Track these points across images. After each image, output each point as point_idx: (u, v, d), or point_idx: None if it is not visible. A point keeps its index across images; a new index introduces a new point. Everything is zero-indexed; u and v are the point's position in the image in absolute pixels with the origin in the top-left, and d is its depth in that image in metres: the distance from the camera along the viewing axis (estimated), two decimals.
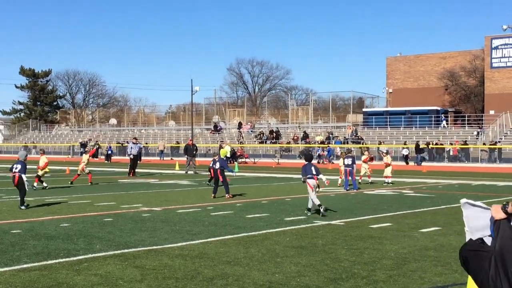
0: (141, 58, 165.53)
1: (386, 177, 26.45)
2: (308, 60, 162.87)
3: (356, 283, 7.56)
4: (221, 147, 54.82)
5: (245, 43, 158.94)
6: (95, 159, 51.47)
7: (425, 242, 10.74)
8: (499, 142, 50.51)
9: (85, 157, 26.65)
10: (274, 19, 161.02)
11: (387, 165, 26.64)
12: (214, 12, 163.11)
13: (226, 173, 19.73)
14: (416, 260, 9.03)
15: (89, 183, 25.00)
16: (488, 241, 4.24)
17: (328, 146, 55.00)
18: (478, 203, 4.40)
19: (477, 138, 52.72)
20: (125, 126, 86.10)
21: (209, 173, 21.25)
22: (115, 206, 16.64)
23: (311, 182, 15.03)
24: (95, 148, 37.45)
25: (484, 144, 50.36)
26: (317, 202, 14.75)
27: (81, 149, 65.99)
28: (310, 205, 15.03)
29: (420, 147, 48.55)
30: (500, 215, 4.21)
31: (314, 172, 15.20)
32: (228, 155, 51.75)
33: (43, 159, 24.12)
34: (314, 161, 18.55)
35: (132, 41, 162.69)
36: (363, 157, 27.50)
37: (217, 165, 19.43)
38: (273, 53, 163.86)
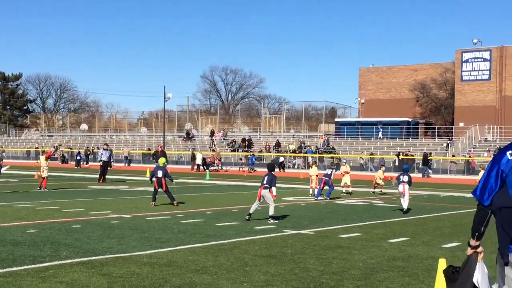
0: (114, 63, 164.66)
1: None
2: (282, 69, 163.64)
3: None
4: (193, 154, 54.84)
5: (219, 51, 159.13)
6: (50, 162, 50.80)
7: (393, 252, 10.81)
8: (468, 154, 51.16)
9: (42, 159, 26.15)
10: (248, 27, 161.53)
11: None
12: (189, 19, 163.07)
13: (168, 180, 19.61)
14: (383, 271, 9.08)
15: (39, 188, 24.65)
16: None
17: (253, 154, 55.58)
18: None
19: (446, 150, 53.33)
20: (96, 132, 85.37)
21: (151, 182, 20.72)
22: (83, 212, 16.46)
23: (264, 191, 15.43)
24: (51, 150, 36.94)
25: (453, 155, 50.96)
26: (251, 211, 15.44)
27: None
28: (251, 211, 15.49)
29: (428, 158, 48.52)
30: (469, 250, 4.50)
31: (264, 182, 15.47)
32: (198, 163, 51.73)
33: None
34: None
35: (105, 47, 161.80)
36: (346, 168, 27.75)
37: (160, 174, 19.23)
38: (247, 62, 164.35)
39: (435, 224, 15.67)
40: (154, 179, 19.50)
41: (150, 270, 8.71)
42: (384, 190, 27.54)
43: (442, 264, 6.81)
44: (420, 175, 46.61)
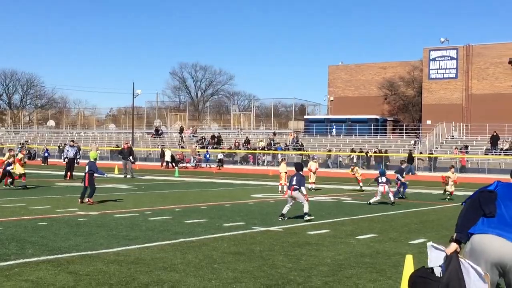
0: (81, 59, 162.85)
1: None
2: (251, 66, 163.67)
3: None
4: (162, 151, 54.58)
5: (188, 47, 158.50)
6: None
7: (361, 249, 10.88)
8: (435, 151, 51.78)
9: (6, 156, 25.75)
10: (218, 24, 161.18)
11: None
12: (158, 15, 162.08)
13: (99, 176, 19.14)
14: (351, 267, 9.13)
15: (6, 185, 24.34)
16: (437, 271, 4.61)
17: (207, 151, 55.98)
18: (441, 247, 4.75)
19: (414, 147, 53.91)
20: (63, 128, 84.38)
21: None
22: (50, 210, 16.25)
23: (294, 193, 15.20)
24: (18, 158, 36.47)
25: (421, 153, 51.52)
26: (284, 211, 15.27)
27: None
28: (284, 211, 15.33)
29: (413, 155, 48.65)
30: (451, 248, 4.57)
31: (293, 183, 15.21)
32: (167, 160, 51.58)
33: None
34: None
35: (73, 42, 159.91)
36: (314, 166, 27.91)
37: (87, 169, 18.52)
38: (217, 58, 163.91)
39: (402, 220, 15.82)
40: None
41: (117, 267, 8.63)
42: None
43: (409, 260, 6.88)
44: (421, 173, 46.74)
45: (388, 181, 20.53)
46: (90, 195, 18.35)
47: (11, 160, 24.32)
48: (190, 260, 9.30)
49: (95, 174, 18.72)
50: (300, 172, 15.46)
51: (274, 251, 10.34)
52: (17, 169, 24.62)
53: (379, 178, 20.39)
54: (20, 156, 25.95)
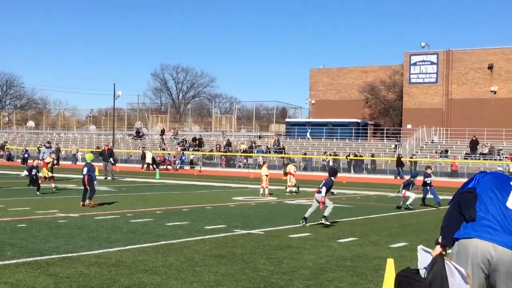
0: (62, 60, 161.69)
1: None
2: (233, 69, 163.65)
3: None
4: (143, 153, 54.36)
5: (170, 49, 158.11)
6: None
7: (342, 252, 10.91)
8: (415, 155, 52.10)
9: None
10: (200, 26, 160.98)
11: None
12: (140, 16, 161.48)
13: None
14: (333, 270, 9.16)
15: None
16: (422, 272, 4.72)
17: (182, 153, 56.26)
18: (430, 250, 4.81)
19: (394, 151, 54.22)
20: (43, 129, 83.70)
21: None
22: (29, 211, 16.10)
23: (317, 196, 14.99)
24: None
25: (400, 156, 51.81)
26: (327, 213, 14.82)
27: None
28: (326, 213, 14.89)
29: (402, 159, 48.62)
30: (436, 251, 4.65)
31: (320, 186, 15.01)
32: (148, 162, 51.44)
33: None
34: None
35: (53, 42, 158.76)
36: (293, 168, 27.90)
37: (84, 171, 18.24)
38: (198, 61, 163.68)
39: (383, 224, 15.90)
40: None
41: (98, 270, 8.58)
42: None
43: (390, 264, 6.90)
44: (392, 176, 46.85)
45: (411, 186, 20.72)
46: (90, 197, 18.09)
47: (35, 163, 24.16)
48: (171, 263, 9.27)
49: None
50: (332, 178, 15.12)
51: (256, 254, 10.34)
52: (44, 172, 25.02)
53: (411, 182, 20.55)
54: (48, 160, 25.93)
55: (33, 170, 23.55)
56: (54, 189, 24.18)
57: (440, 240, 4.70)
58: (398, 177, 45.42)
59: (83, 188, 18.33)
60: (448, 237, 4.65)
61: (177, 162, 55.16)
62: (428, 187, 22.24)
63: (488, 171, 4.88)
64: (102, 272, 8.43)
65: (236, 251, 10.63)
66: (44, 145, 34.78)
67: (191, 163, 56.22)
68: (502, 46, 60.08)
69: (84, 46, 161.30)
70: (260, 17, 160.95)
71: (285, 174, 28.74)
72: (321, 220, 14.71)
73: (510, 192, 4.52)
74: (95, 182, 18.33)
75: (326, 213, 14.79)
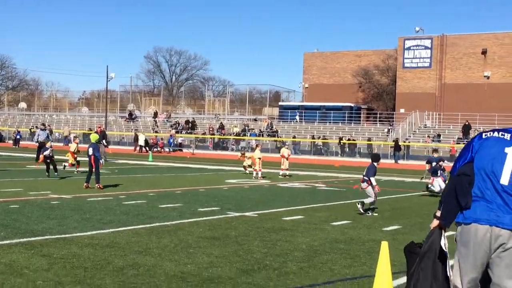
0: (54, 41, 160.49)
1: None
2: (227, 52, 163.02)
3: (267, 274, 7.60)
4: (136, 135, 54.24)
5: (163, 31, 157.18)
6: None
7: (335, 235, 10.94)
8: (408, 139, 52.21)
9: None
10: (193, 8, 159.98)
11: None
12: None
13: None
14: (326, 253, 9.18)
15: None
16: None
17: (170, 136, 56.06)
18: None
19: (387, 135, 54.31)
20: (35, 111, 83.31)
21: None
22: (22, 192, 16.05)
23: (363, 185, 14.59)
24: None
25: (393, 141, 51.94)
26: (367, 200, 14.29)
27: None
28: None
29: (399, 144, 48.56)
30: (434, 223, 4.78)
31: (364, 173, 14.64)
32: (140, 145, 51.39)
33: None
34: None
35: (46, 23, 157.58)
36: (287, 152, 27.80)
37: (90, 151, 18.11)
38: (192, 43, 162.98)
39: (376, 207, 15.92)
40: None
41: (91, 251, 8.56)
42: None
43: (384, 246, 6.89)
44: (392, 161, 46.89)
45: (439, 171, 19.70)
46: (97, 179, 17.92)
47: (48, 144, 22.35)
48: (165, 244, 9.27)
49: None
50: (375, 164, 14.74)
51: (250, 236, 10.35)
52: (71, 159, 25.05)
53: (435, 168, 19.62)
54: (73, 146, 25.89)
55: (45, 150, 21.87)
56: (76, 173, 24.14)
57: (438, 214, 4.77)
58: (398, 161, 45.53)
59: (88, 169, 18.25)
60: (447, 219, 4.68)
61: (172, 145, 55.22)
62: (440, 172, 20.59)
63: (484, 135, 4.69)
64: (96, 253, 8.42)
65: (230, 233, 10.63)
66: (39, 127, 34.57)
67: (180, 146, 56.23)
68: (495, 31, 60.05)
69: (77, 27, 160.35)
70: (254, 1, 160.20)
71: (243, 155, 29.36)
72: (358, 205, 14.19)
73: (504, 162, 4.44)
74: (100, 161, 18.43)
75: (367, 200, 14.28)
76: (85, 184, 17.94)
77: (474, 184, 4.52)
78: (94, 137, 18.92)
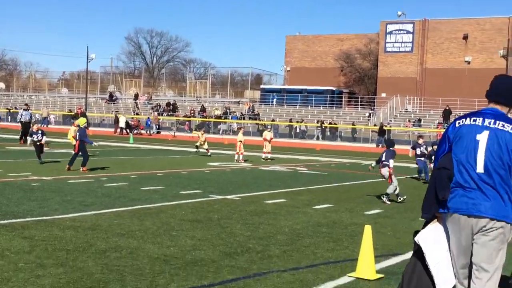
0: (33, 20, 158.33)
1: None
2: (208, 34, 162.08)
3: (250, 257, 7.60)
4: (116, 117, 53.86)
5: (144, 12, 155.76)
6: None
7: (318, 218, 10.97)
8: (389, 124, 52.45)
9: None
10: None
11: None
12: None
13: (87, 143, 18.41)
14: (309, 236, 9.20)
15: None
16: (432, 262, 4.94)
17: (148, 118, 55.91)
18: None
19: (368, 119, 54.49)
20: (14, 91, 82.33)
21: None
22: (2, 174, 15.88)
23: (383, 171, 14.25)
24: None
25: (375, 125, 52.15)
26: (390, 191, 13.90)
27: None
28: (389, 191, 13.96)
29: (384, 128, 48.44)
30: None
31: (383, 159, 14.25)
32: (121, 127, 51.10)
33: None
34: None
35: (24, 3, 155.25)
36: (269, 135, 27.71)
37: (77, 136, 18.08)
38: (173, 25, 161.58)
39: (358, 191, 16.02)
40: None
41: (73, 233, 8.50)
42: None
43: (367, 230, 6.94)
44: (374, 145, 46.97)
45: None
46: (83, 163, 17.78)
47: (35, 127, 20.99)
48: (147, 227, 9.23)
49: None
50: (391, 148, 14.50)
51: (232, 219, 10.34)
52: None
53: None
54: (72, 129, 25.43)
55: (33, 135, 20.60)
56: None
57: (421, 216, 4.97)
58: (380, 146, 45.50)
59: (73, 152, 18.08)
60: (428, 212, 4.83)
61: (154, 127, 54.95)
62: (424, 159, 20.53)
63: (457, 124, 4.71)
64: (78, 236, 8.36)
65: (212, 216, 10.62)
66: (22, 107, 34.35)
67: (158, 128, 56.04)
68: (477, 16, 60.32)
69: (57, 7, 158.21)
70: None
71: (197, 133, 29.08)
72: (383, 198, 13.89)
73: (477, 150, 4.49)
74: (94, 144, 18.62)
75: (389, 190, 13.91)
76: (67, 166, 17.78)
77: (453, 176, 4.62)
78: (82, 121, 18.73)
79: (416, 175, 20.96)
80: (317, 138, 50.70)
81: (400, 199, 14.05)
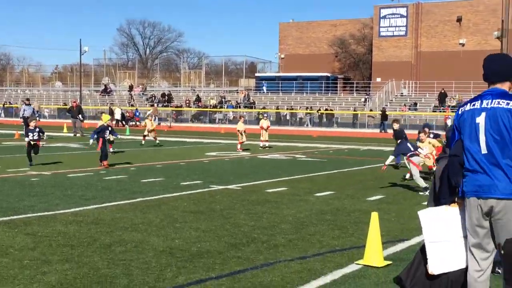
0: (25, 14, 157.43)
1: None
2: (201, 23, 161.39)
3: (257, 247, 7.55)
4: (111, 109, 53.67)
5: (136, 3, 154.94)
6: None
7: (320, 206, 10.92)
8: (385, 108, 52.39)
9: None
10: None
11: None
12: None
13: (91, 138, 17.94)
14: (313, 224, 9.15)
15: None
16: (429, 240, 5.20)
17: (136, 109, 55.65)
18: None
19: (364, 105, 54.44)
20: (7, 86, 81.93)
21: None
22: (0, 169, 15.78)
23: (416, 160, 13.52)
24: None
25: (371, 110, 52.09)
26: (423, 184, 13.01)
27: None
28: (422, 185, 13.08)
29: (386, 113, 48.19)
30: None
31: (412, 149, 13.68)
32: (117, 119, 50.87)
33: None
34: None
35: None
36: (266, 123, 27.55)
37: (106, 134, 17.65)
38: (165, 15, 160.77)
39: (358, 177, 15.97)
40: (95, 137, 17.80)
41: (77, 228, 8.44)
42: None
43: (374, 217, 6.89)
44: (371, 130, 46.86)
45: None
46: (102, 158, 17.13)
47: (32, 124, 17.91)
48: (151, 220, 9.17)
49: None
50: (404, 139, 14.29)
51: (235, 210, 10.29)
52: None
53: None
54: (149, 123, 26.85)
55: (30, 133, 17.25)
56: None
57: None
58: (383, 131, 45.51)
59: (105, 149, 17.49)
60: (445, 197, 5.05)
61: (155, 119, 54.79)
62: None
63: (460, 111, 4.81)
64: (81, 231, 8.29)
65: (215, 207, 10.56)
66: (24, 103, 34.25)
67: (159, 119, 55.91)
68: None
69: (48, 0, 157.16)
70: None
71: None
72: (421, 193, 12.80)
73: (479, 133, 4.60)
74: (115, 136, 18.71)
75: (419, 182, 13.08)
76: (102, 162, 17.11)
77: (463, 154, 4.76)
78: (105, 117, 18.39)
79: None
80: (307, 125, 50.69)
81: (406, 179, 14.59)
